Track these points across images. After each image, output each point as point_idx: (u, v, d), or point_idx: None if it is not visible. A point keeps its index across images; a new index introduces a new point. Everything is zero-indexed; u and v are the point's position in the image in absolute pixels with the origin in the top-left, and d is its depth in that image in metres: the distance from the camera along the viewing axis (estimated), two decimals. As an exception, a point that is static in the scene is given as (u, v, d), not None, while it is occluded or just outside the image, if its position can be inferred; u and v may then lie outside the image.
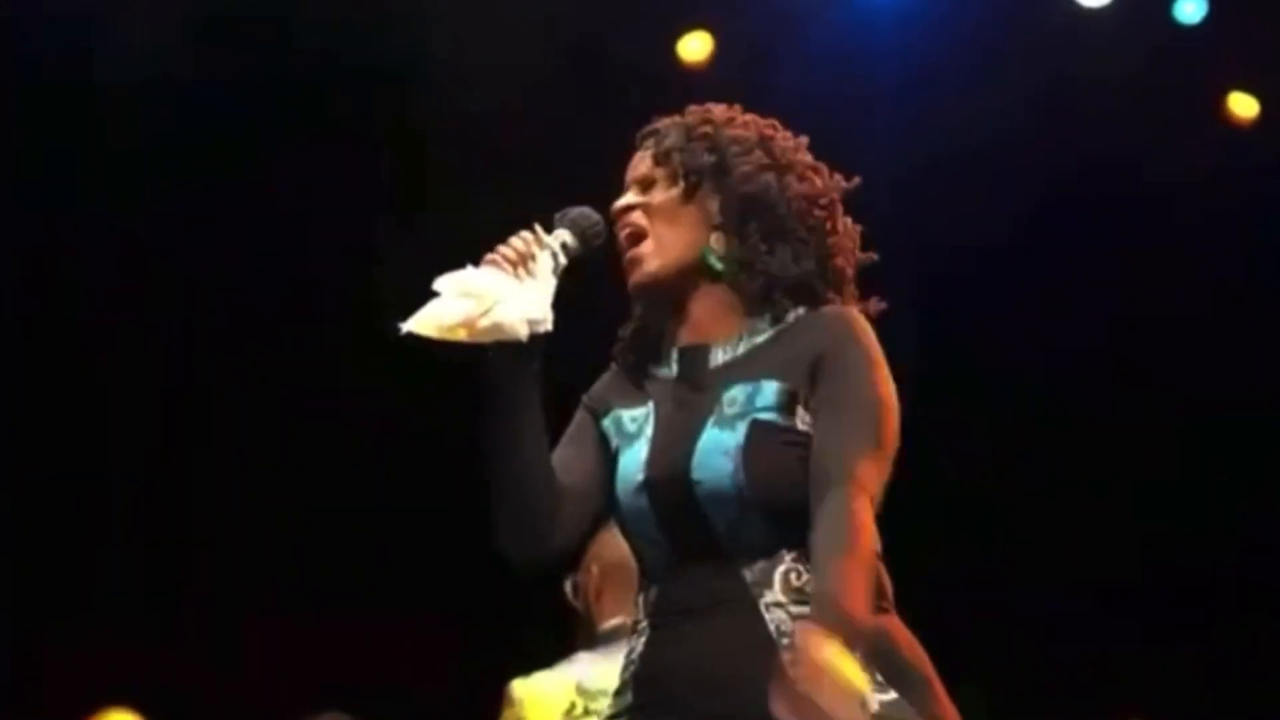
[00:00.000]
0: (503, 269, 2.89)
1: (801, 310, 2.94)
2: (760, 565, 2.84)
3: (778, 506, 2.84)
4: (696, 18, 7.20)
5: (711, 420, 2.88)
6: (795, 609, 2.82)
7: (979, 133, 6.79)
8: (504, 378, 2.89)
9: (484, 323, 2.85)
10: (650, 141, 3.03)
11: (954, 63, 6.88)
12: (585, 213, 3.01)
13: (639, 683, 2.90)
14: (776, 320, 2.94)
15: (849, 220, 3.03)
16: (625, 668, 2.94)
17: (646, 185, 3.00)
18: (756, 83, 6.78)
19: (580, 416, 3.02)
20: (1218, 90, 7.37)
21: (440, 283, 2.88)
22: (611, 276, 3.02)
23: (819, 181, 3.00)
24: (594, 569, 4.42)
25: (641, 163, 3.02)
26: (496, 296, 2.85)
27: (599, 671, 4.18)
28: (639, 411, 2.96)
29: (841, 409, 2.84)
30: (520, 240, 2.93)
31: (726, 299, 2.96)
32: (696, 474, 2.86)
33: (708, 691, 2.82)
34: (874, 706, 2.67)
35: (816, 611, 2.70)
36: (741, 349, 2.94)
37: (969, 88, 6.88)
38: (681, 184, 2.98)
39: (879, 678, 2.78)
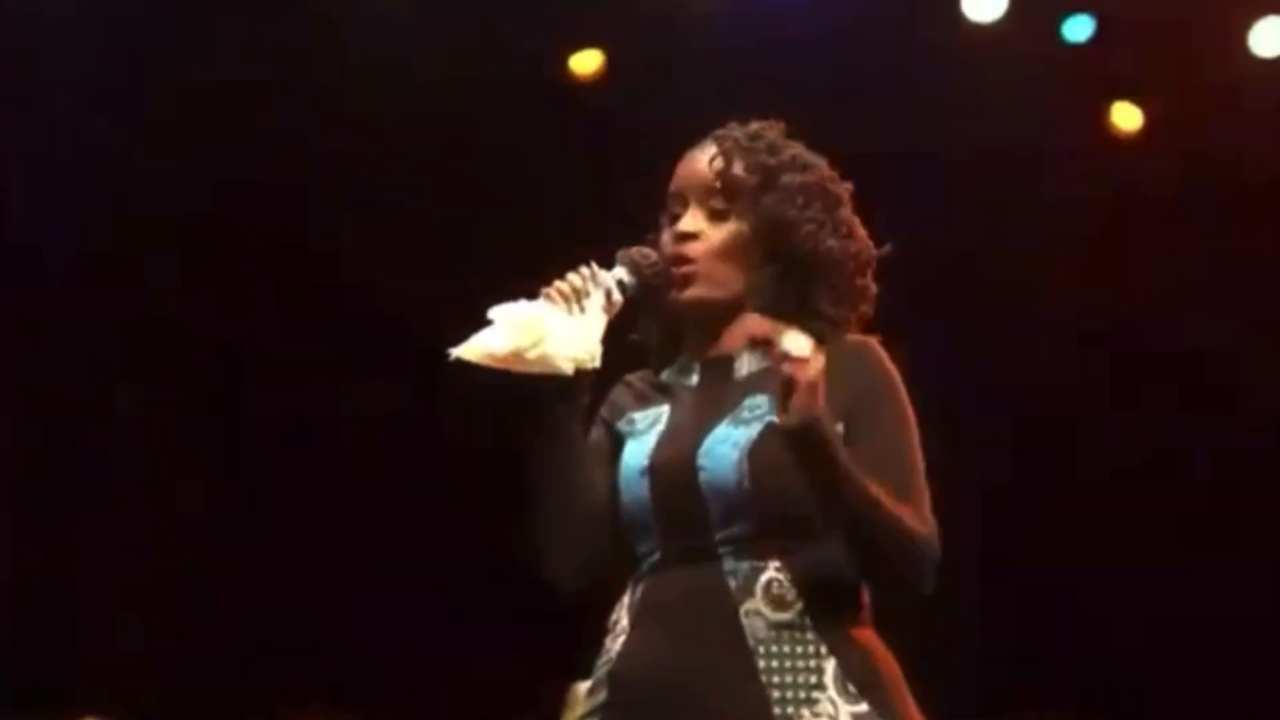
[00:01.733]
0: (556, 304, 2.92)
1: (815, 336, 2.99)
2: (745, 569, 2.89)
3: (774, 507, 2.89)
4: (588, 31, 7.21)
5: (727, 419, 2.94)
6: (774, 616, 2.87)
7: (869, 142, 6.82)
8: (549, 411, 2.95)
9: (532, 354, 2.89)
10: (721, 157, 3.03)
11: (844, 73, 6.92)
12: (645, 252, 3.03)
13: (612, 680, 2.93)
14: (802, 337, 2.94)
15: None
16: (601, 665, 2.97)
17: (707, 202, 3.02)
18: (650, 92, 6.83)
19: (596, 435, 3.06)
20: (1104, 105, 7.43)
21: (494, 312, 2.91)
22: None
23: (862, 242, 3.06)
24: None
25: (705, 186, 3.03)
26: (546, 330, 2.89)
27: None
28: (651, 411, 3.02)
29: (872, 453, 2.88)
30: (576, 276, 2.96)
31: (760, 320, 3.00)
32: (702, 460, 2.91)
33: (676, 696, 2.86)
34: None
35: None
36: (765, 361, 2.93)
37: (858, 99, 6.92)
38: (745, 224, 3.00)
39: (852, 688, 2.85)
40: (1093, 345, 7.46)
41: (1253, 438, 7.51)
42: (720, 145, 3.04)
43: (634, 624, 2.94)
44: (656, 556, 2.95)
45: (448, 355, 2.92)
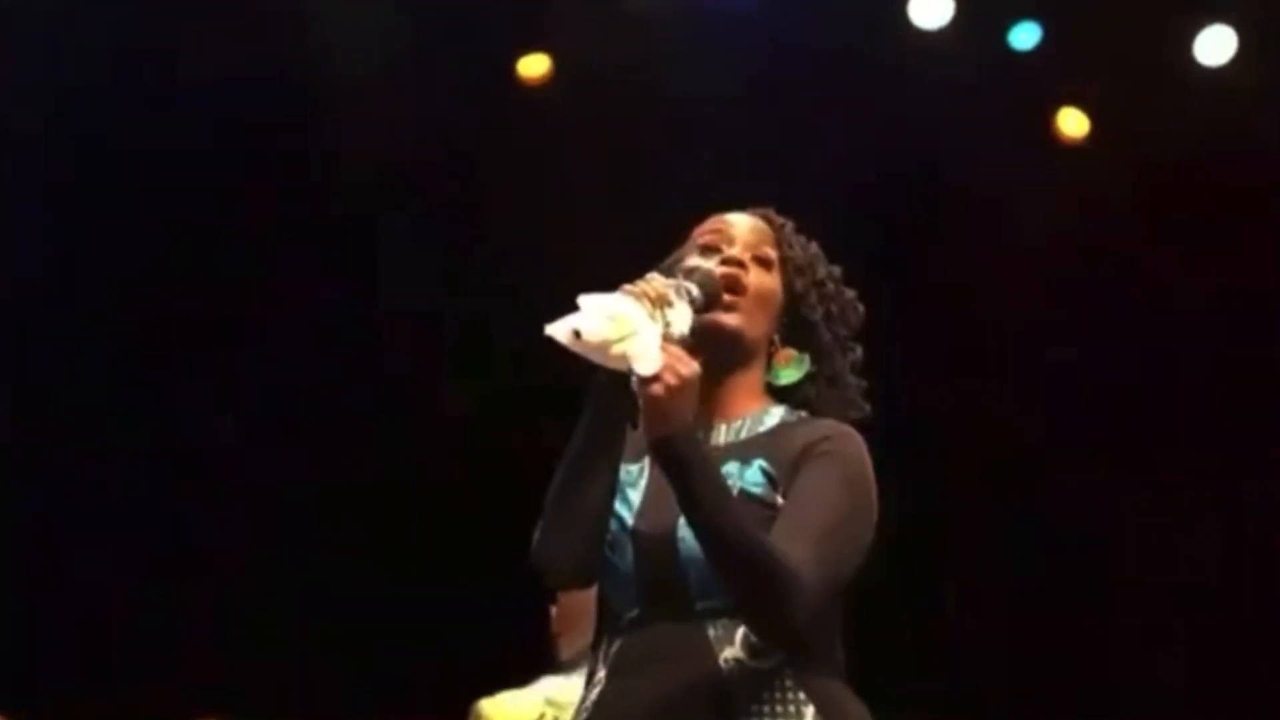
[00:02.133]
0: (642, 304, 2.91)
1: (804, 414, 3.08)
2: (724, 623, 2.91)
3: None
4: (535, 36, 7.20)
5: None
6: (753, 663, 2.90)
7: (812, 148, 6.87)
8: (609, 408, 2.95)
9: (617, 349, 2.87)
10: (766, 223, 3.13)
11: (788, 78, 6.93)
12: (710, 273, 3.03)
13: None
14: (785, 413, 3.08)
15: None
16: (579, 715, 3.00)
17: (755, 248, 3.08)
18: (597, 97, 6.83)
19: None
20: (1050, 113, 7.46)
21: (585, 300, 2.90)
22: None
23: (856, 319, 3.16)
24: (554, 611, 4.69)
25: (757, 233, 3.11)
26: (635, 328, 2.88)
27: (567, 686, 4.41)
28: (634, 467, 3.04)
29: (797, 514, 2.91)
30: (662, 282, 2.95)
31: (755, 387, 3.08)
32: (681, 532, 2.92)
33: None
34: None
35: None
36: (744, 434, 3.05)
37: (803, 105, 6.93)
38: (782, 286, 3.09)
39: None
40: (1036, 354, 7.48)
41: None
42: (766, 218, 3.15)
43: (610, 676, 2.96)
44: (634, 614, 2.97)
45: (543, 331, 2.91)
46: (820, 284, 3.12)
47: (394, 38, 6.89)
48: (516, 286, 6.76)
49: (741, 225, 3.12)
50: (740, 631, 2.90)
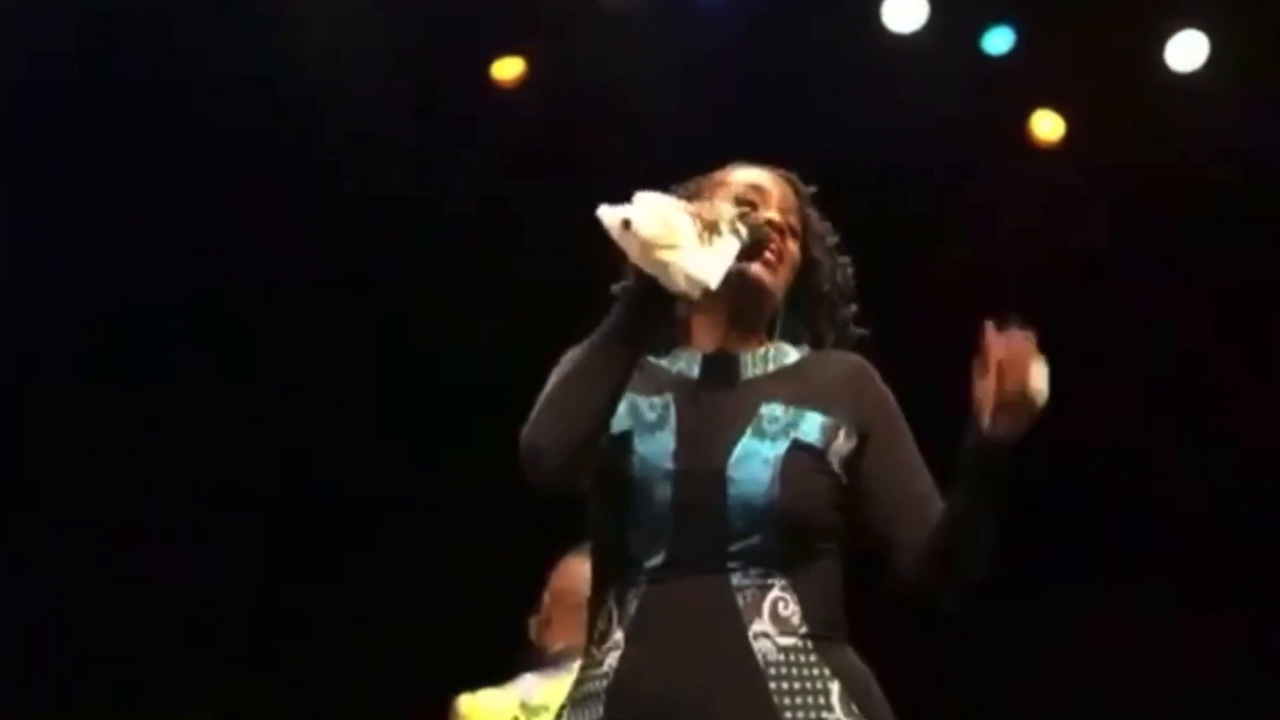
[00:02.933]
0: (695, 222, 2.88)
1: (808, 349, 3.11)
2: (752, 588, 2.89)
3: (795, 527, 2.92)
4: (511, 39, 7.21)
5: (750, 430, 2.95)
6: (781, 640, 2.88)
7: (786, 152, 6.85)
8: (636, 315, 2.92)
9: (660, 254, 2.83)
10: (793, 190, 3.16)
11: (761, 82, 6.95)
12: (762, 225, 3.02)
13: (612, 698, 2.88)
14: (794, 348, 3.10)
15: None
16: (591, 678, 2.93)
17: (786, 216, 3.09)
18: (572, 100, 6.85)
19: None
20: (1023, 117, 7.48)
21: (642, 195, 2.87)
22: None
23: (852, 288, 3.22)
24: (546, 597, 4.61)
25: (788, 200, 3.13)
26: (683, 242, 2.84)
27: (543, 689, 4.34)
28: (656, 400, 2.98)
29: (907, 466, 3.01)
30: (718, 211, 2.93)
31: (762, 339, 3.10)
32: (732, 473, 2.90)
33: (686, 718, 2.83)
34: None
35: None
36: (771, 366, 3.05)
37: (776, 109, 6.95)
38: (803, 252, 3.11)
39: (855, 709, 2.89)
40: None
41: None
42: (785, 177, 3.18)
43: (631, 638, 2.90)
44: (659, 561, 2.91)
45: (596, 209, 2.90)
46: (832, 254, 3.16)
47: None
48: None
49: (776, 189, 3.12)
50: (767, 601, 2.89)
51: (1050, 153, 7.45)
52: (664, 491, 2.91)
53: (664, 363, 3.05)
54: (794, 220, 3.10)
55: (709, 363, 3.04)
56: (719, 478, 2.90)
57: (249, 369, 7.28)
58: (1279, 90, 7.10)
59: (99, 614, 7.15)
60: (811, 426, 2.96)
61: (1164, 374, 7.53)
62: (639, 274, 2.89)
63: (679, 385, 3.01)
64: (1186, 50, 7.22)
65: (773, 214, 3.06)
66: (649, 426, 2.95)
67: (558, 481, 2.91)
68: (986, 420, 2.80)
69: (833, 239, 3.18)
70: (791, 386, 3.01)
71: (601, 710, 2.88)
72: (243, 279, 7.15)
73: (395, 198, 7.12)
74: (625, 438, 2.94)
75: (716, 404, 2.98)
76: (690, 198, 3.04)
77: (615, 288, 3.01)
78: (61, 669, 7.13)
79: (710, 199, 3.03)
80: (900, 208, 7.29)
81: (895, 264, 7.32)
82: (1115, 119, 7.24)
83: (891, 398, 3.06)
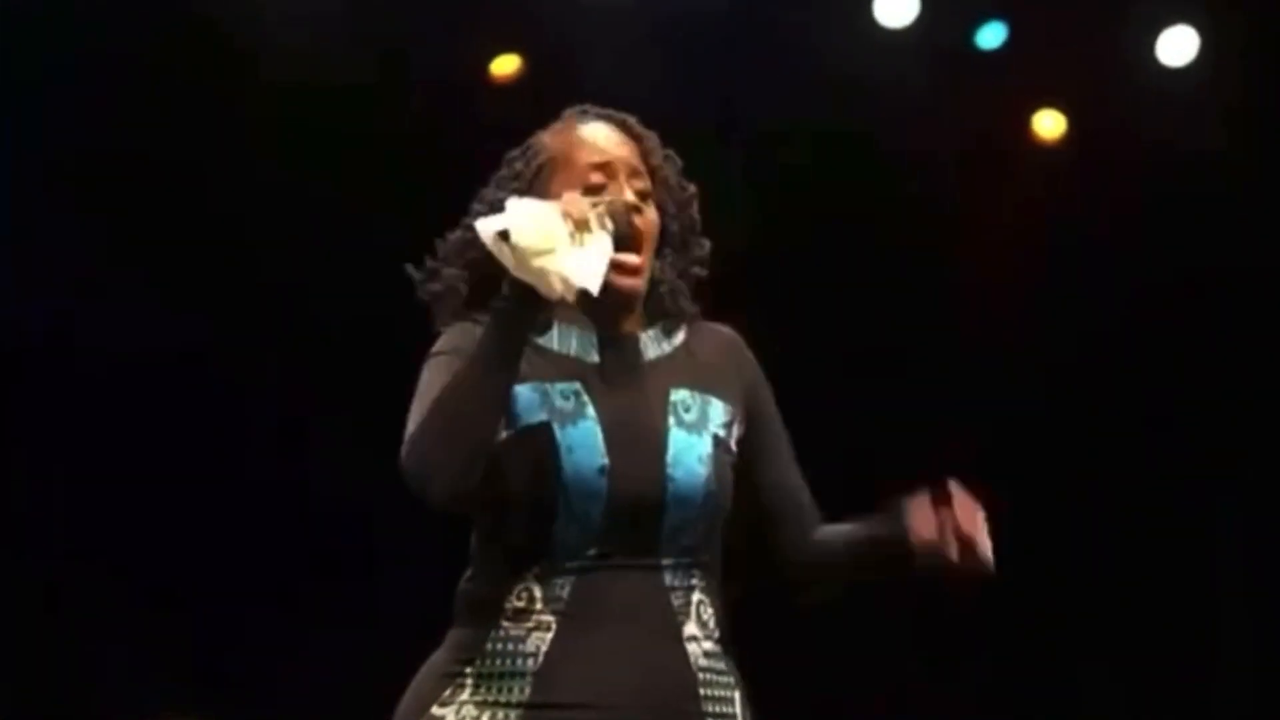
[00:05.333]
0: (567, 223, 2.83)
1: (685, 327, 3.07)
2: (682, 588, 2.90)
3: (716, 524, 2.95)
4: (506, 33, 7.23)
5: (673, 422, 2.93)
6: (705, 644, 2.91)
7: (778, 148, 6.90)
8: (514, 321, 2.84)
9: (536, 263, 2.80)
10: (635, 141, 3.05)
11: (752, 77, 6.97)
12: (626, 215, 2.94)
13: (540, 680, 2.85)
14: (672, 324, 3.05)
15: None
16: (509, 654, 2.87)
17: (632, 182, 3.00)
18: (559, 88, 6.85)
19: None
20: (1019, 111, 7.49)
21: (514, 204, 2.84)
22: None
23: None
24: None
25: (633, 158, 3.02)
26: (558, 245, 2.81)
27: None
28: (564, 387, 2.92)
29: (786, 447, 3.05)
30: (585, 206, 2.87)
31: (637, 310, 3.02)
32: (672, 470, 2.88)
33: (618, 715, 2.83)
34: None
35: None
36: (666, 347, 3.02)
37: (769, 102, 6.96)
38: (657, 211, 3.02)
39: (750, 717, 2.96)
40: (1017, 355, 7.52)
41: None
42: (627, 130, 3.05)
43: (563, 624, 2.87)
44: (590, 553, 2.87)
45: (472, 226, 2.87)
46: (684, 197, 3.08)
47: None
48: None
49: (620, 155, 3.01)
50: (693, 604, 2.90)
51: (1038, 147, 7.46)
52: (598, 486, 2.86)
53: (554, 344, 2.98)
54: (643, 184, 3.01)
55: (607, 346, 2.99)
56: (659, 475, 2.88)
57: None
58: (1269, 84, 7.12)
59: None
60: (718, 415, 2.97)
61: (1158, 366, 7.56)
62: (515, 284, 2.83)
63: (583, 369, 2.95)
64: (1177, 45, 7.23)
65: (625, 194, 2.97)
66: (566, 416, 2.89)
67: (449, 505, 2.84)
68: (926, 545, 2.89)
69: (677, 178, 3.08)
70: (689, 369, 2.99)
71: (528, 691, 2.85)
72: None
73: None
74: (543, 429, 2.88)
75: (628, 389, 2.94)
76: (536, 173, 3.00)
77: (494, 301, 2.89)
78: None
79: (568, 186, 2.96)
80: (889, 204, 7.30)
81: (883, 260, 7.37)
82: (1105, 113, 7.25)
83: (760, 371, 3.07)
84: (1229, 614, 7.82)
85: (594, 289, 2.83)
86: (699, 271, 3.08)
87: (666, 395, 2.95)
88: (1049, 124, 7.44)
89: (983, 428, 7.49)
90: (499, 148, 3.13)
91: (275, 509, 7.29)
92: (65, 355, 7.28)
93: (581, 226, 2.84)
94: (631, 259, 2.94)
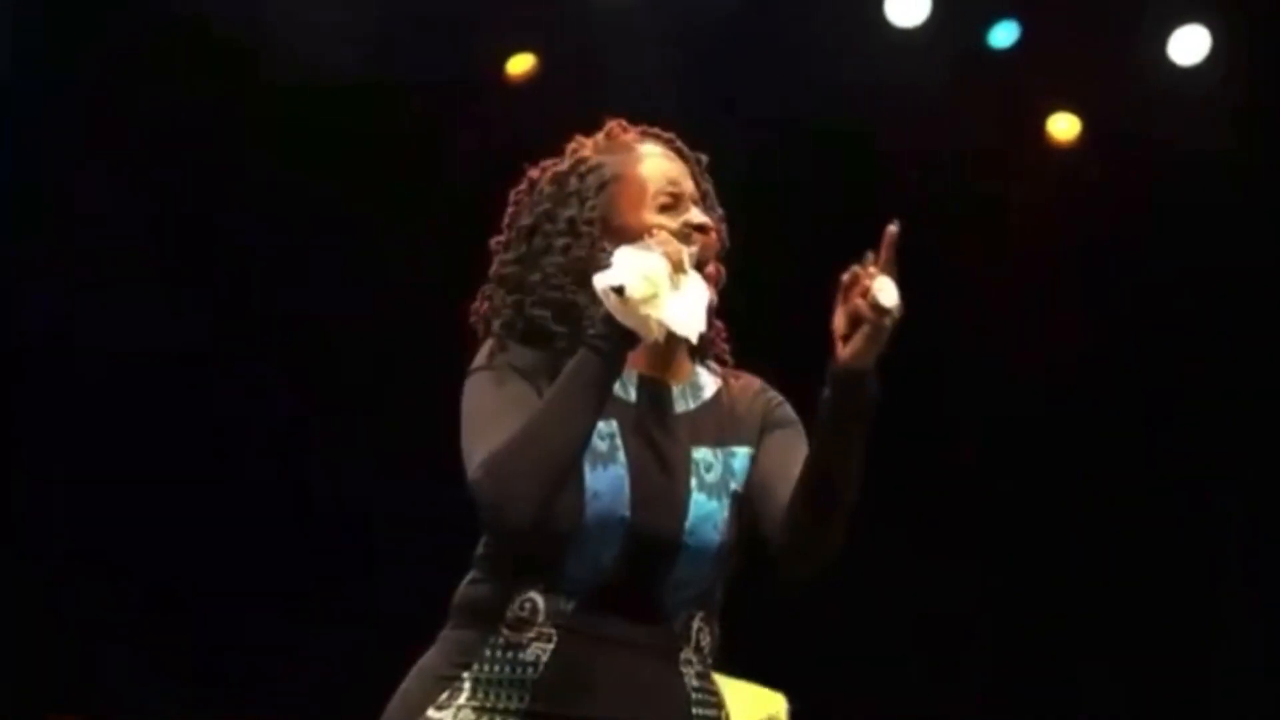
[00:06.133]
0: (667, 265, 2.86)
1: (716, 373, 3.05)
2: (681, 617, 2.92)
3: (720, 575, 2.97)
4: (520, 35, 7.20)
5: (695, 484, 2.93)
6: (698, 668, 2.93)
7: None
8: (608, 365, 2.84)
9: (643, 310, 2.83)
10: (685, 161, 3.05)
11: (765, 76, 6.95)
12: (706, 244, 2.96)
13: (540, 689, 2.86)
14: (708, 375, 3.05)
15: None
16: (510, 662, 2.88)
17: (703, 217, 3.00)
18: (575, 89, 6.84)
19: (526, 389, 2.92)
20: (1031, 110, 7.48)
21: (622, 253, 2.86)
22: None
23: None
24: None
25: (689, 180, 3.03)
26: (660, 292, 2.84)
27: None
28: (605, 427, 2.91)
29: (794, 462, 2.92)
30: (683, 249, 2.89)
31: (680, 344, 3.00)
32: (689, 539, 2.90)
33: None
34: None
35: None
36: (693, 403, 3.01)
37: (785, 103, 6.95)
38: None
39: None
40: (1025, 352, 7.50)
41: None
42: (680, 152, 3.06)
43: (566, 635, 2.88)
44: (596, 585, 2.89)
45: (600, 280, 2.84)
46: (719, 219, 3.08)
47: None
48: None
49: (683, 175, 3.03)
50: (693, 630, 2.93)
51: (1051, 144, 7.45)
52: (615, 535, 2.87)
53: None
54: (706, 210, 3.02)
55: (644, 389, 2.98)
56: (675, 539, 2.90)
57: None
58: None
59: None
60: (740, 467, 2.98)
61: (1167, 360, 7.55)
62: (616, 326, 2.83)
63: (620, 410, 2.94)
64: (1189, 44, 7.22)
65: (696, 214, 2.99)
66: (600, 457, 2.90)
67: (523, 537, 2.84)
68: (840, 347, 2.76)
69: (713, 197, 3.09)
70: (715, 424, 3.00)
71: (528, 700, 2.86)
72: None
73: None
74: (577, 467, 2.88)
75: (655, 442, 2.94)
76: (599, 191, 2.99)
77: (589, 333, 2.87)
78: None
79: (639, 207, 2.97)
80: (901, 202, 7.28)
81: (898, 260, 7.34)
82: (1117, 111, 7.24)
83: (789, 408, 3.05)
84: (1230, 614, 7.79)
85: (694, 338, 2.89)
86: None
87: (689, 452, 2.96)
88: (1063, 126, 7.46)
89: (986, 427, 7.50)
90: (504, 149, 3.09)
91: (275, 509, 7.27)
92: (65, 355, 7.24)
93: (678, 268, 2.86)
94: (712, 298, 2.97)
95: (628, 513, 2.88)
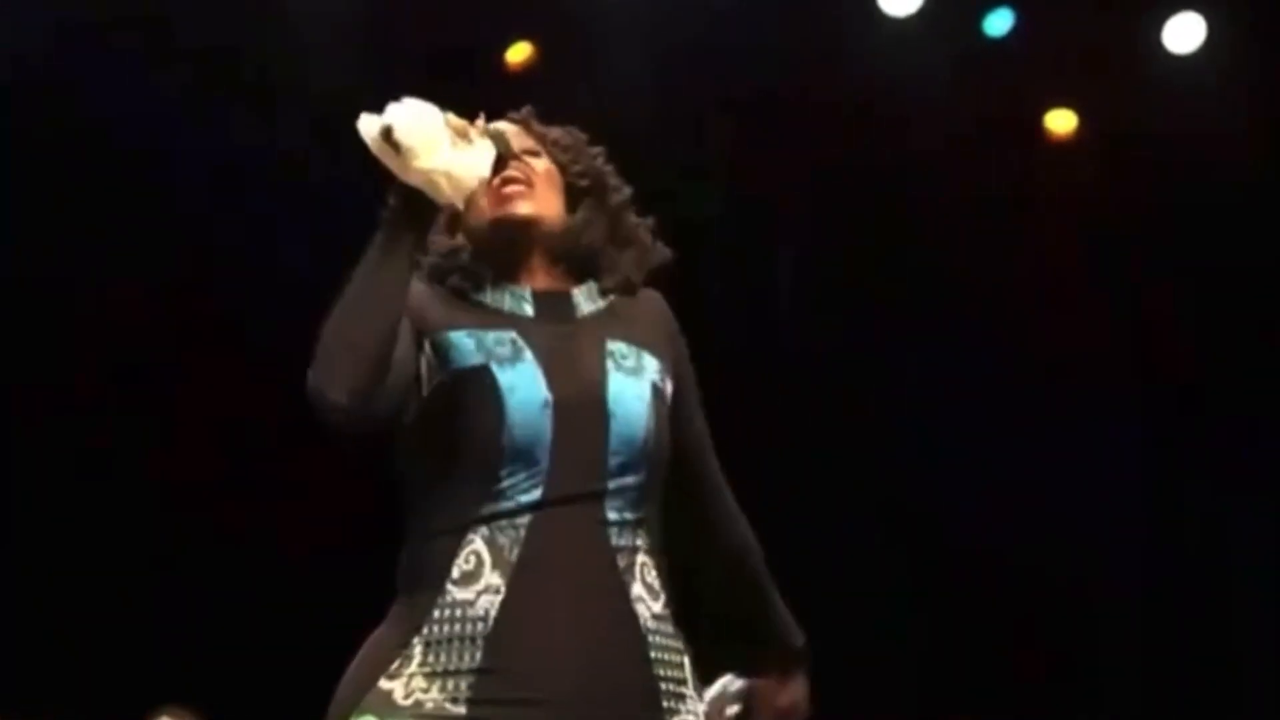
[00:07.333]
0: (448, 129, 2.84)
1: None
2: (627, 549, 2.88)
3: (660, 470, 2.92)
4: (519, 23, 7.20)
5: (611, 366, 2.92)
6: (654, 606, 2.88)
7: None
8: (404, 230, 2.84)
9: (421, 164, 2.80)
10: (531, 129, 3.08)
11: (757, 66, 6.95)
12: (503, 132, 2.97)
13: (490, 644, 2.81)
14: (608, 284, 3.04)
15: None
16: (458, 619, 2.84)
17: (520, 140, 3.02)
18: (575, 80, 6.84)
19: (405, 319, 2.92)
20: (1029, 102, 7.47)
21: (396, 105, 2.83)
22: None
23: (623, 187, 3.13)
24: None
25: (526, 138, 3.05)
26: (442, 147, 2.82)
27: None
28: (500, 335, 2.91)
29: (697, 400, 3.03)
30: (467, 123, 2.89)
31: (561, 264, 3.01)
32: (613, 406, 2.88)
33: (570, 676, 2.80)
34: None
35: (798, 659, 3.14)
36: (600, 303, 3.01)
37: (781, 94, 6.95)
38: (554, 164, 3.05)
39: (698, 684, 2.95)
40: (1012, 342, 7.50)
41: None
42: (524, 123, 3.09)
43: (512, 587, 2.83)
44: (535, 497, 2.84)
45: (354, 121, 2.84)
46: (589, 156, 3.09)
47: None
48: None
49: (515, 130, 3.04)
50: (638, 565, 2.88)
51: (1044, 133, 7.46)
52: (543, 420, 2.85)
53: (487, 299, 2.97)
54: (529, 143, 3.04)
55: (541, 300, 2.98)
56: (600, 409, 2.87)
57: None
58: (1274, 71, 7.12)
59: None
60: (652, 366, 2.95)
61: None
62: (402, 189, 2.83)
63: (518, 321, 2.94)
64: (1184, 32, 7.23)
65: (520, 147, 3.02)
66: (504, 359, 2.88)
67: (352, 417, 2.79)
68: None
69: (584, 146, 3.11)
70: (623, 325, 2.99)
71: (479, 656, 2.81)
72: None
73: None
74: (481, 371, 2.87)
75: (564, 338, 2.94)
76: None
77: (382, 211, 2.85)
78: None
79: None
80: (897, 193, 7.30)
81: (891, 250, 7.36)
82: (1112, 99, 7.25)
83: (684, 340, 3.06)
84: (1240, 614, 7.79)
85: (474, 184, 2.85)
86: (634, 221, 3.09)
87: (603, 344, 2.94)
88: (1059, 120, 7.47)
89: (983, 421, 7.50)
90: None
91: (275, 509, 7.27)
92: (65, 354, 7.26)
93: (462, 134, 2.85)
94: (516, 174, 2.97)
95: (547, 394, 2.86)
